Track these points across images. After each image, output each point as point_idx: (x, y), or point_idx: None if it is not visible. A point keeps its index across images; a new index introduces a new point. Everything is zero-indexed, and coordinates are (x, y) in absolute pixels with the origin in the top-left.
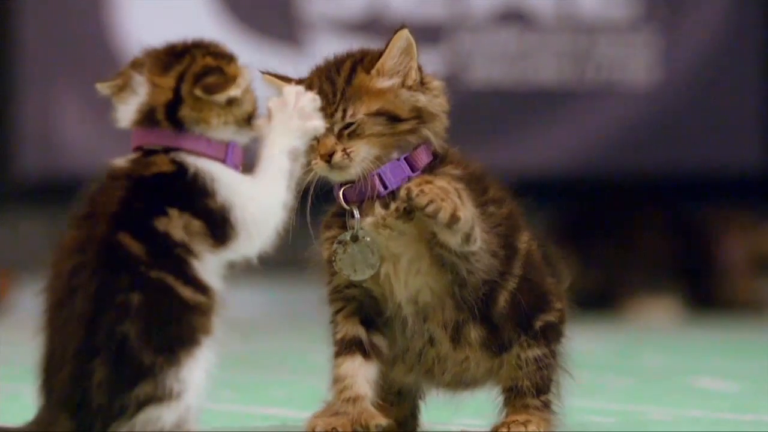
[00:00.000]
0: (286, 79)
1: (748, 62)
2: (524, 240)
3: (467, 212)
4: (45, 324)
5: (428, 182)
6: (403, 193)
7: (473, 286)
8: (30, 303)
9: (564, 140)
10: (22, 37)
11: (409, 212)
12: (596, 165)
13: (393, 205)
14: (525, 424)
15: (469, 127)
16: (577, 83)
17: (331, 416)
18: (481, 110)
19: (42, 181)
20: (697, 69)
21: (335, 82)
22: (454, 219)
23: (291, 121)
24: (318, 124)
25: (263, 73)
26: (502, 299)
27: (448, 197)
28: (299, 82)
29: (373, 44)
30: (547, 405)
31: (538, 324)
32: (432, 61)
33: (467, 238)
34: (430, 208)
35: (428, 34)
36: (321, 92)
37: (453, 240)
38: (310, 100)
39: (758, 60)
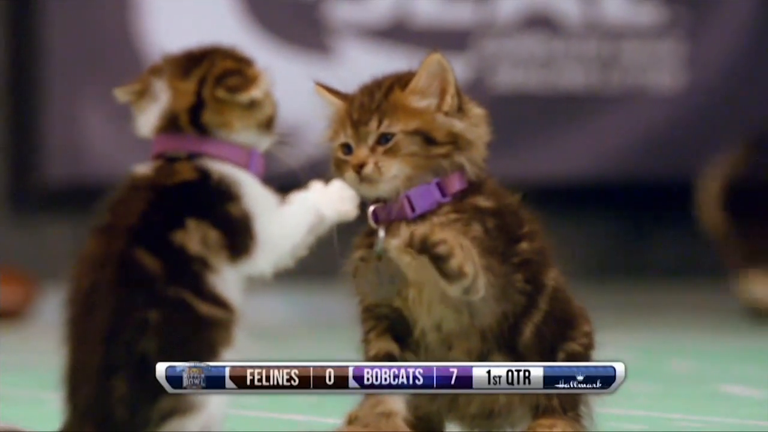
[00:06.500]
0: (337, 93)
1: None
2: (552, 276)
3: (471, 267)
4: (67, 337)
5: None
6: (407, 238)
7: (492, 322)
8: (54, 309)
9: (590, 145)
10: (48, 44)
11: (420, 251)
12: (623, 170)
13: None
14: (551, 427)
15: (495, 132)
16: (604, 88)
17: (363, 428)
18: (507, 115)
19: (67, 188)
20: (724, 73)
21: (374, 96)
22: (462, 273)
23: (330, 195)
24: (351, 210)
25: (316, 83)
26: (528, 331)
27: (458, 247)
28: (346, 97)
29: (398, 51)
30: (575, 419)
31: (561, 356)
32: (458, 67)
33: (467, 291)
34: (442, 248)
35: (454, 39)
36: (360, 105)
37: (452, 291)
38: (352, 195)
39: None
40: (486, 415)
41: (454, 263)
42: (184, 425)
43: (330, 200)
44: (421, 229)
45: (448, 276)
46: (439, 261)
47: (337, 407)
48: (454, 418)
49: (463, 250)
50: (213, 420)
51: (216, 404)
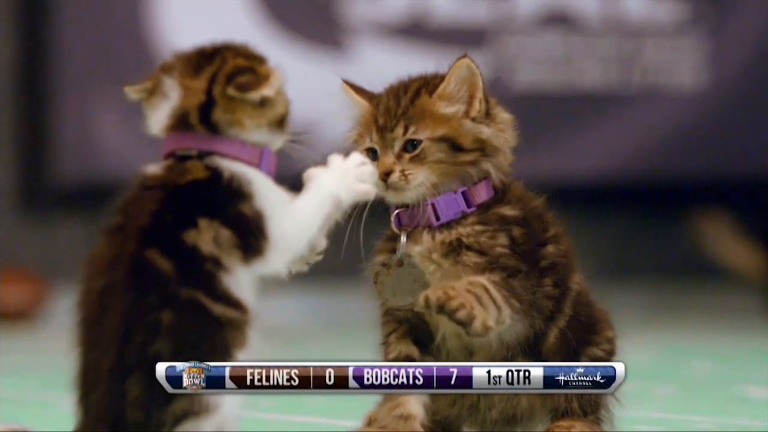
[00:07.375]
0: (364, 92)
1: None
2: (576, 280)
3: (494, 315)
4: (78, 339)
5: (451, 288)
6: (422, 300)
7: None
8: (65, 310)
9: (610, 144)
10: (60, 42)
11: (455, 252)
12: (643, 169)
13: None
14: (569, 428)
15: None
16: (624, 87)
17: (380, 430)
18: (525, 114)
19: (78, 187)
20: (745, 71)
21: (400, 101)
22: (486, 329)
23: (347, 176)
24: (370, 189)
25: (344, 81)
26: (552, 335)
27: (476, 303)
28: (372, 97)
29: (415, 49)
30: (596, 422)
31: (584, 360)
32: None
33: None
34: (461, 314)
35: (472, 37)
36: (386, 109)
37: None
38: (371, 171)
39: None
40: (508, 420)
41: (476, 325)
42: (198, 427)
43: (347, 181)
44: (435, 294)
45: (474, 335)
46: (461, 324)
47: (350, 410)
48: (474, 422)
49: (481, 301)
50: (227, 422)
51: (230, 406)
